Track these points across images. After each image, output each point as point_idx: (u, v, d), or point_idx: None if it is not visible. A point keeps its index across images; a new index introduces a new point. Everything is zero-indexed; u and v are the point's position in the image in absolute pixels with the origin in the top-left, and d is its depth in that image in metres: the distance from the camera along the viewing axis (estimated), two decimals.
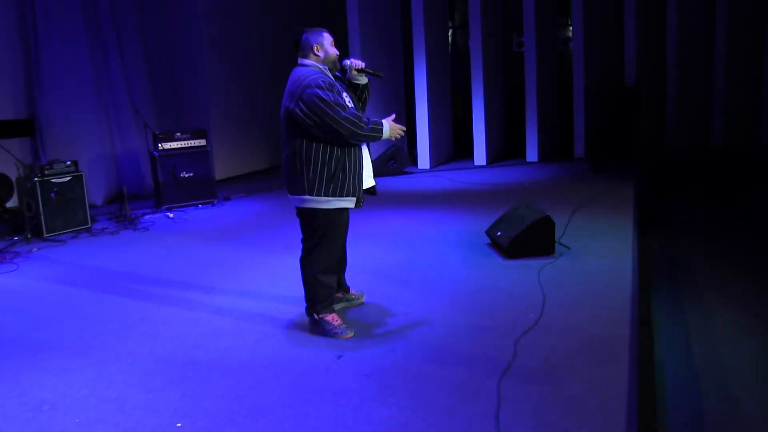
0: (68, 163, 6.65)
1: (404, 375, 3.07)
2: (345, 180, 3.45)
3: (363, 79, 3.72)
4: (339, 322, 3.61)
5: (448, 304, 4.02)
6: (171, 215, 7.35)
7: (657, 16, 10.55)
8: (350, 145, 3.45)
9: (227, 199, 8.27)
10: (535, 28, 10.21)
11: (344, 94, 3.51)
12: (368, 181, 3.65)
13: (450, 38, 11.83)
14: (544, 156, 10.56)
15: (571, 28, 11.35)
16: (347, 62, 3.67)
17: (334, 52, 3.56)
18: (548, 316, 3.71)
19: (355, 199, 3.51)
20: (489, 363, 3.13)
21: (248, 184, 9.45)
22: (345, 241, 3.92)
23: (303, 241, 3.64)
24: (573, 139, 10.59)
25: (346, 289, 4.08)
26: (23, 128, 7.67)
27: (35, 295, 4.71)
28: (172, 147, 7.77)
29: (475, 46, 10.29)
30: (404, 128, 3.58)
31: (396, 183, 9.10)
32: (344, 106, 3.34)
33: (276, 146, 11.01)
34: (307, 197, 3.46)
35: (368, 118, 3.43)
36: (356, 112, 3.39)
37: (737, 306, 4.59)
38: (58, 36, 7.78)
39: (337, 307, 3.91)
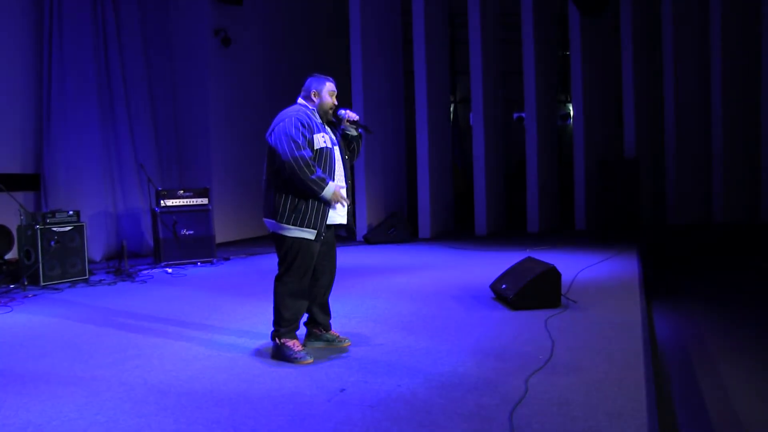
0: (70, 212, 6.64)
1: (411, 406, 2.92)
2: (307, 212, 3.61)
3: (354, 132, 3.92)
4: (299, 348, 3.66)
5: (453, 347, 3.89)
6: (170, 271, 7.26)
7: (655, 88, 10.87)
8: None
9: (226, 259, 8.20)
10: (536, 104, 10.50)
11: (325, 137, 3.68)
12: (336, 218, 3.76)
13: (452, 112, 12.13)
14: (545, 227, 10.59)
15: (570, 105, 11.67)
16: (341, 112, 3.84)
17: (329, 101, 3.78)
18: (558, 357, 3.59)
19: (315, 231, 3.64)
20: (499, 397, 3.00)
21: (248, 248, 9.39)
22: (327, 282, 3.91)
23: (278, 264, 3.74)
24: (574, 210, 10.66)
25: (326, 328, 3.96)
26: (29, 182, 7.72)
27: (28, 332, 4.57)
28: (174, 204, 7.78)
29: (477, 119, 10.54)
30: (348, 201, 3.72)
31: (397, 248, 9.07)
32: (299, 145, 3.51)
33: None
34: (273, 221, 3.66)
35: (318, 170, 3.54)
36: (309, 160, 3.51)
37: (749, 364, 4.45)
38: (70, 92, 7.96)
39: (316, 345, 3.91)
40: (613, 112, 11.29)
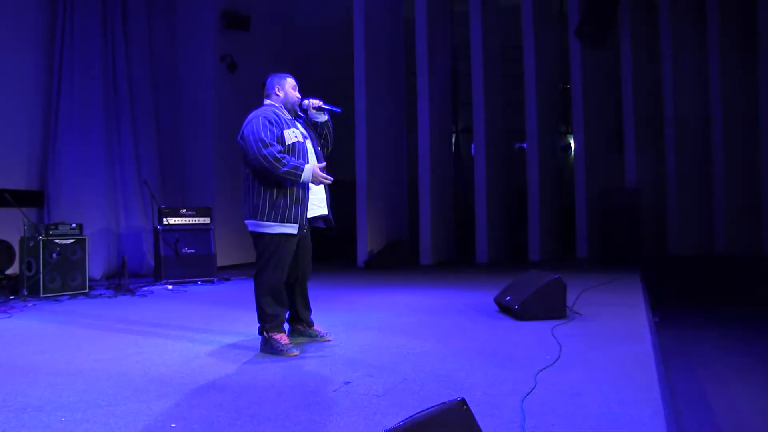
0: (73, 225, 6.62)
1: (419, 396, 2.86)
2: (287, 207, 3.65)
3: (322, 117, 3.96)
4: (286, 341, 3.70)
5: (459, 348, 3.84)
6: (170, 287, 7.20)
7: (655, 117, 10.97)
8: None
9: (227, 279, 8.14)
10: (537, 134, 10.59)
11: (296, 132, 3.72)
12: (315, 209, 3.82)
13: (453, 142, 12.23)
14: (547, 256, 10.54)
15: (571, 137, 11.78)
16: (305, 102, 3.89)
17: (294, 95, 3.85)
18: (567, 357, 3.52)
19: (297, 225, 3.69)
20: (508, 388, 2.93)
21: (249, 271, 9.31)
22: (305, 274, 4.00)
23: (256, 262, 3.78)
24: (575, 239, 10.64)
25: (309, 324, 4.08)
26: (32, 199, 7.73)
27: (27, 333, 4.52)
28: (177, 222, 7.76)
29: (479, 149, 10.61)
30: (330, 178, 3.69)
31: (399, 274, 9.03)
32: (266, 143, 3.54)
33: None
34: (253, 221, 3.69)
35: (288, 161, 3.56)
36: (276, 154, 3.53)
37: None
38: (77, 111, 8.05)
39: (300, 341, 3.96)
40: (614, 142, 11.38)
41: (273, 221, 3.63)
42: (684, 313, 7.20)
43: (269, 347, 3.69)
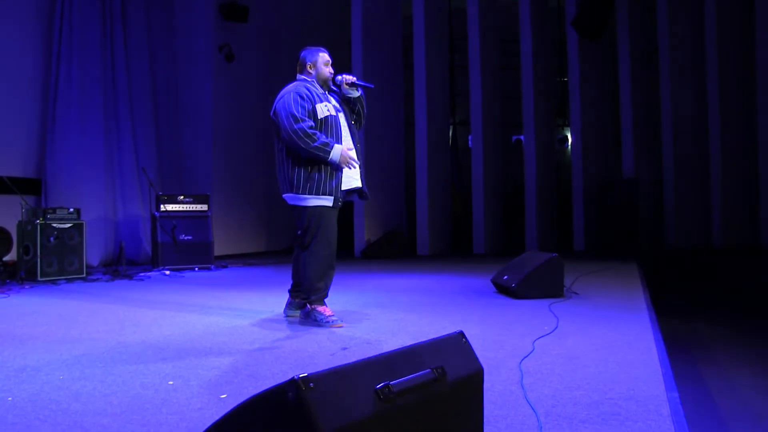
0: (71, 210, 6.61)
1: None
2: (321, 179, 3.65)
3: (355, 93, 3.95)
4: (330, 313, 3.69)
5: (457, 320, 3.86)
6: (167, 273, 7.19)
7: (652, 110, 10.99)
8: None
9: (224, 266, 8.13)
10: (534, 126, 10.60)
11: (328, 106, 3.73)
12: (351, 182, 3.80)
13: (450, 134, 12.24)
14: (544, 248, 10.56)
15: (567, 129, 11.80)
16: (339, 78, 3.90)
17: (326, 70, 3.86)
18: (565, 327, 3.54)
19: (332, 198, 3.68)
20: (505, 352, 2.94)
21: (246, 260, 9.31)
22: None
23: (300, 237, 3.75)
24: (572, 232, 10.66)
25: None
26: (30, 186, 7.71)
27: (25, 309, 4.51)
28: (174, 209, 7.75)
29: (476, 141, 10.62)
30: (357, 161, 3.75)
31: (396, 263, 9.03)
32: (297, 118, 3.55)
33: (272, 230, 11.01)
34: (291, 194, 3.70)
35: (319, 137, 3.57)
36: (307, 130, 3.54)
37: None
38: (75, 100, 8.02)
39: (299, 313, 3.89)
40: (611, 135, 11.40)
41: (309, 194, 3.63)
42: (680, 301, 7.22)
43: (312, 319, 3.68)
